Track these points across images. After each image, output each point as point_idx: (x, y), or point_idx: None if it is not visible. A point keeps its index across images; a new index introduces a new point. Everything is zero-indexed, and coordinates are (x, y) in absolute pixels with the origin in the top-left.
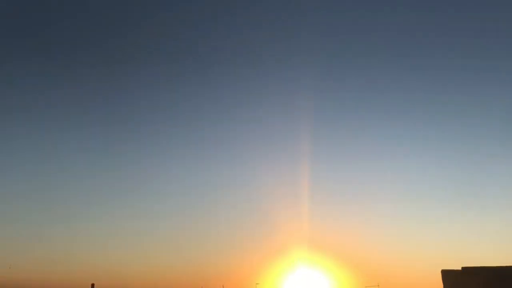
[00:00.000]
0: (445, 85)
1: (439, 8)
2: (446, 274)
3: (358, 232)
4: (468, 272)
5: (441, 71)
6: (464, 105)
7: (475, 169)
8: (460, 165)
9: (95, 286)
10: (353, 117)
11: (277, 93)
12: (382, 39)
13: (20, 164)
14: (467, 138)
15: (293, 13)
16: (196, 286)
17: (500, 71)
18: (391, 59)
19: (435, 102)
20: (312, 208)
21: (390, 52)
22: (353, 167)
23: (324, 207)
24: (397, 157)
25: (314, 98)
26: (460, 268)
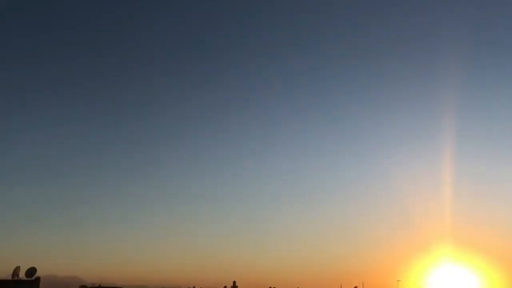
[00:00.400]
0: None
1: None
2: None
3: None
4: None
5: None
6: None
7: None
8: None
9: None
10: (499, 114)
11: (419, 91)
12: None
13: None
14: None
15: None
16: (335, 283)
17: None
18: None
19: None
20: (455, 204)
21: None
22: (502, 161)
23: (470, 202)
24: None
25: (456, 96)
26: None
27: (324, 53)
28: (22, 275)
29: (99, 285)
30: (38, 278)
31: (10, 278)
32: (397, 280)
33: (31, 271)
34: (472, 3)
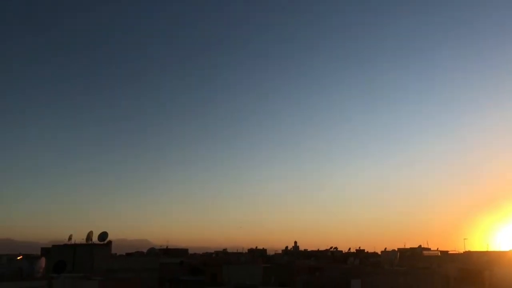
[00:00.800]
0: None
1: None
2: None
3: None
4: None
5: None
6: None
7: None
8: None
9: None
10: None
11: None
12: None
13: None
14: None
15: None
16: (399, 243)
17: None
18: None
19: None
20: None
21: None
22: None
23: None
24: None
25: None
26: None
27: None
28: (95, 239)
29: (166, 247)
30: (109, 242)
31: (84, 242)
32: (464, 239)
33: (103, 235)
34: None
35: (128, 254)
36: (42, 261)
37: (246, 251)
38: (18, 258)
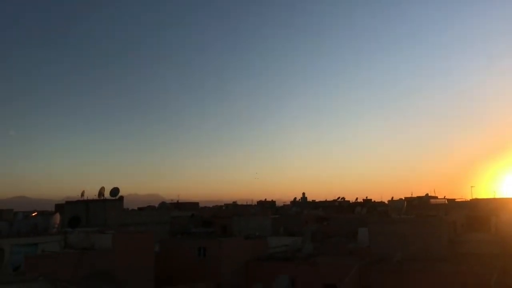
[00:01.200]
0: None
1: None
2: None
3: None
4: None
5: None
6: None
7: None
8: None
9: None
10: None
11: None
12: None
13: None
14: None
15: None
16: (406, 192)
17: None
18: None
19: None
20: None
21: None
22: None
23: None
24: None
25: None
26: None
27: None
28: (107, 195)
29: (177, 201)
30: (121, 197)
31: (97, 198)
32: (471, 186)
33: (115, 191)
34: None
35: (140, 209)
36: (57, 217)
37: (256, 203)
38: (33, 214)
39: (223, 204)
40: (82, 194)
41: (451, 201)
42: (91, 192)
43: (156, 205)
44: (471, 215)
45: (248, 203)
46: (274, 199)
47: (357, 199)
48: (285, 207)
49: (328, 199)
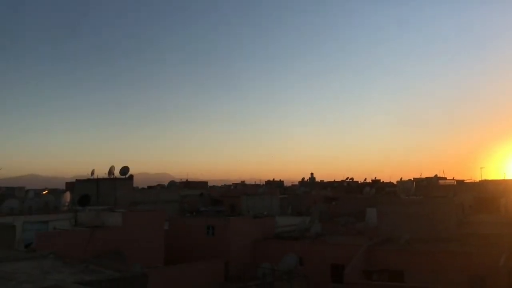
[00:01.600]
0: None
1: None
2: None
3: None
4: None
5: None
6: None
7: None
8: None
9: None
10: None
11: None
12: None
13: None
14: None
15: None
16: (415, 173)
17: None
18: None
19: None
20: None
21: None
22: None
23: None
24: None
25: None
26: None
27: None
28: (117, 174)
29: (187, 180)
30: (131, 176)
31: (107, 176)
32: (480, 168)
33: (125, 169)
34: None
35: (149, 187)
36: (67, 195)
37: (264, 183)
38: (44, 192)
39: (231, 183)
40: (92, 173)
41: (460, 182)
42: (102, 171)
43: (166, 184)
44: (480, 196)
45: (256, 183)
46: (282, 179)
47: (365, 179)
48: (293, 187)
49: (336, 180)
